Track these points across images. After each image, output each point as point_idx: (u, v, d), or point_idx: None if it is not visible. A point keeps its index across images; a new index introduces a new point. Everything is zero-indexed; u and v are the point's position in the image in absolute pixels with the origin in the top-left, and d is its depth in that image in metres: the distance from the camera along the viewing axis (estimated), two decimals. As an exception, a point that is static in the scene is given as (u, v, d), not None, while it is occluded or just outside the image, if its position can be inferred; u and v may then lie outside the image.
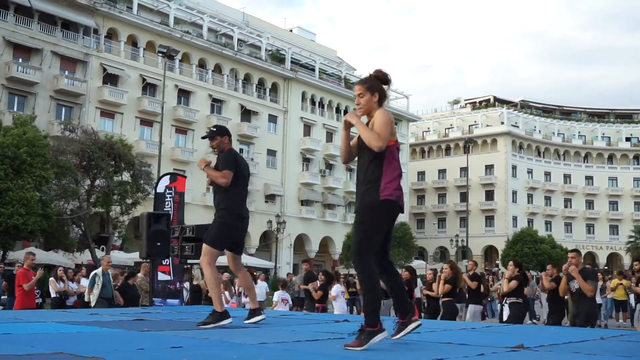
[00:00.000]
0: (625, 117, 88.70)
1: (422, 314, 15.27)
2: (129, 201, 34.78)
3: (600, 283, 21.76)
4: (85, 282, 16.46)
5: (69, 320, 6.64)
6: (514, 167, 77.20)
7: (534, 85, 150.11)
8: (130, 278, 14.29)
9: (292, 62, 59.31)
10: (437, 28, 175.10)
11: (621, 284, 21.10)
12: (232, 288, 17.63)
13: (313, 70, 61.24)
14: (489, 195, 76.13)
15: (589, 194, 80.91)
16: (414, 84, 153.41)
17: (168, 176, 16.21)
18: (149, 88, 48.45)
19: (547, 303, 12.52)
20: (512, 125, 79.43)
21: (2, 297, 17.78)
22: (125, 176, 35.14)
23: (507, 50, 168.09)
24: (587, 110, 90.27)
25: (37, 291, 14.60)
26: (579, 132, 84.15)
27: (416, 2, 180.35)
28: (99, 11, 45.38)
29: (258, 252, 53.06)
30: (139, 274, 15.00)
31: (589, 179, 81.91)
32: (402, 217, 63.94)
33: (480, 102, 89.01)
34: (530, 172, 79.05)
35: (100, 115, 45.11)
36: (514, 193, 76.54)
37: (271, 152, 56.63)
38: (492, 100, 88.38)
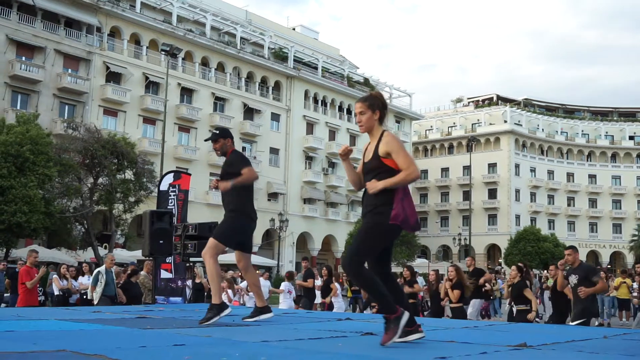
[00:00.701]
0: (628, 115, 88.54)
1: (424, 314, 15.29)
2: (132, 199, 34.80)
3: (603, 281, 21.77)
4: (82, 280, 16.48)
5: (72, 318, 6.64)
6: (517, 166, 77.10)
7: (537, 83, 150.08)
8: (133, 276, 14.31)
9: (294, 60, 59.29)
10: (440, 27, 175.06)
11: (624, 282, 21.07)
12: (235, 286, 17.63)
13: (316, 68, 61.22)
14: (492, 194, 76.05)
15: (592, 192, 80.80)
16: (417, 82, 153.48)
17: (172, 174, 16.19)
18: (151, 86, 48.48)
19: (550, 302, 12.51)
20: (515, 123, 79.33)
21: (5, 294, 17.81)
22: (128, 174, 35.16)
23: (511, 49, 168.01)
24: (591, 108, 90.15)
25: (40, 289, 14.64)
26: (582, 131, 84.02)
27: (420, 1, 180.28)
28: (102, 9, 45.41)
29: (261, 250, 53.04)
30: (142, 272, 15.03)
31: (592, 177, 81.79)
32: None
33: (483, 101, 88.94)
34: (533, 170, 78.93)
35: (103, 114, 45.16)
36: (517, 191, 76.46)
37: (274, 151, 56.63)
38: (495, 98, 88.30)
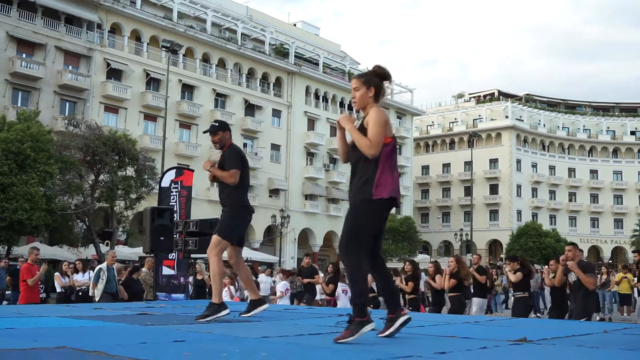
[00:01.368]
0: (630, 110, 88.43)
1: (427, 308, 15.28)
2: (133, 196, 34.83)
3: (604, 276, 21.80)
4: (77, 277, 16.46)
5: (73, 315, 6.65)
6: (519, 161, 77.05)
7: (539, 79, 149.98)
8: (134, 273, 14.33)
9: (296, 56, 59.24)
10: (443, 22, 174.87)
11: (626, 277, 21.06)
12: (237, 283, 17.63)
13: (317, 64, 61.17)
14: (494, 189, 76.03)
15: (594, 187, 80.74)
16: (420, 78, 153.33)
17: (174, 170, 16.17)
18: (152, 83, 48.46)
19: (550, 297, 12.53)
20: (517, 119, 79.26)
21: (7, 292, 17.83)
22: (130, 171, 35.17)
23: (513, 44, 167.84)
24: (592, 104, 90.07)
25: (42, 286, 14.65)
26: (584, 126, 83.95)
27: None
28: (102, 6, 45.38)
29: (262, 246, 53.12)
30: (143, 269, 15.04)
31: (594, 172, 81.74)
32: (406, 211, 64.11)
33: (484, 96, 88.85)
34: (534, 166, 78.89)
35: (104, 110, 45.15)
36: (519, 187, 76.42)
37: (275, 147, 56.61)
38: (496, 94, 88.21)
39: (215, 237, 6.53)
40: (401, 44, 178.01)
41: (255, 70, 55.80)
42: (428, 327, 5.84)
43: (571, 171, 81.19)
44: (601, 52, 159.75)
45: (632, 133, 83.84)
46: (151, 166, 35.89)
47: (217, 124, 6.86)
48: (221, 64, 53.45)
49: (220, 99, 52.91)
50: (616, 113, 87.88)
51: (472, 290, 13.47)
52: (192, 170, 16.78)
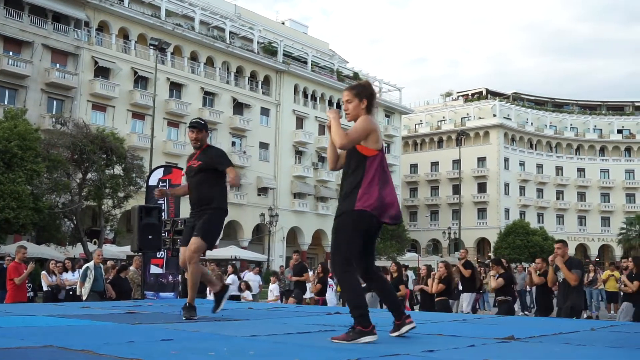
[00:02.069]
0: (616, 109, 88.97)
1: (414, 308, 15.34)
2: (121, 194, 34.69)
3: (592, 274, 21.90)
4: (67, 276, 16.39)
5: (60, 314, 6.62)
6: (506, 160, 77.35)
7: (527, 77, 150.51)
8: (122, 271, 14.27)
9: (284, 54, 59.20)
10: (432, 21, 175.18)
11: (613, 275, 21.17)
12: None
13: (305, 63, 61.15)
14: (482, 188, 76.30)
15: (581, 186, 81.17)
16: (408, 76, 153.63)
17: (162, 169, 16.06)
18: (140, 81, 48.28)
19: (536, 297, 12.61)
20: (505, 117, 79.57)
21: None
22: (117, 169, 35.04)
23: (502, 43, 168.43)
24: (579, 102, 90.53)
25: (29, 285, 14.55)
26: (571, 125, 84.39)
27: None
28: (89, 4, 45.14)
29: (251, 245, 53.05)
30: (131, 267, 14.98)
31: (581, 171, 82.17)
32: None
33: (472, 95, 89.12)
34: (522, 164, 79.24)
35: (91, 109, 44.93)
36: (506, 185, 76.72)
37: (263, 145, 56.56)
38: (484, 92, 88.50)
39: (200, 242, 6.30)
40: (390, 42, 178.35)
41: (244, 69, 55.72)
42: (416, 325, 5.84)
43: (558, 169, 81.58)
44: (590, 51, 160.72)
45: (619, 132, 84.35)
46: (139, 165, 35.76)
47: (203, 122, 6.81)
48: (209, 62, 53.33)
49: (209, 97, 52.80)
50: (603, 112, 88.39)
51: (456, 291, 13.56)
52: (181, 169, 16.69)
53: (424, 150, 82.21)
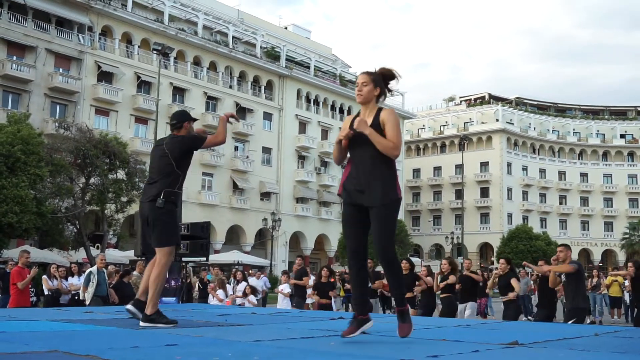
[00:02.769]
0: (619, 114, 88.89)
1: (417, 309, 15.27)
2: (124, 199, 34.71)
3: (595, 279, 21.87)
4: (73, 280, 16.41)
5: (64, 319, 6.62)
6: (509, 164, 77.30)
7: (530, 82, 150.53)
8: (125, 276, 14.28)
9: (287, 59, 59.28)
10: (434, 26, 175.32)
11: (616, 280, 21.16)
12: (227, 287, 17.60)
13: (308, 67, 61.22)
14: (484, 193, 76.23)
15: (584, 190, 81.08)
16: (411, 81, 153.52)
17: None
18: (143, 86, 48.37)
19: (537, 297, 12.57)
20: (507, 122, 79.52)
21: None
22: (120, 174, 35.07)
23: (504, 48, 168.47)
24: (582, 107, 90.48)
25: (32, 290, 14.57)
26: (574, 129, 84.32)
27: (414, 0, 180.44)
28: (93, 8, 45.28)
29: (253, 249, 53.07)
30: (134, 272, 14.99)
31: (584, 175, 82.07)
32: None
33: (475, 100, 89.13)
34: (525, 169, 79.15)
35: (94, 113, 45.02)
36: (509, 190, 76.65)
37: (266, 150, 56.60)
38: (487, 97, 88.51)
39: (165, 249, 6.06)
40: (393, 48, 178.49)
41: (247, 73, 55.78)
42: (419, 330, 5.84)
43: (561, 174, 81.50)
44: (592, 56, 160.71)
45: (622, 136, 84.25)
46: (142, 169, 35.76)
47: (178, 114, 6.53)
48: (212, 67, 53.41)
49: (212, 102, 52.86)
50: (606, 116, 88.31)
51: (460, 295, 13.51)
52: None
53: (427, 155, 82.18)
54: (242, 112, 54.79)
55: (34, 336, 4.98)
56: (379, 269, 14.50)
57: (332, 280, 14.66)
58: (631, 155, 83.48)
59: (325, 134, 61.73)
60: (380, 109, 4.82)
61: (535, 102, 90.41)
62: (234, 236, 53.29)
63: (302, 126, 59.92)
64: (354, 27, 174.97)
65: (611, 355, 4.32)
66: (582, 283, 9.86)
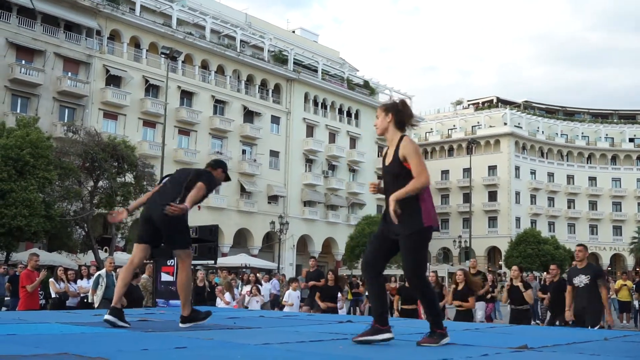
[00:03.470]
0: (628, 117, 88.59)
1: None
2: (132, 202, 34.77)
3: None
4: (82, 283, 16.44)
5: (73, 321, 6.65)
6: (517, 168, 77.08)
7: (538, 86, 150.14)
8: (134, 279, 14.29)
9: (294, 63, 59.33)
10: (443, 29, 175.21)
11: (625, 285, 21.08)
12: (234, 290, 17.63)
13: (316, 71, 61.25)
14: (492, 196, 76.03)
15: (593, 194, 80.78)
16: (419, 85, 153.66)
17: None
18: (151, 89, 48.49)
19: (551, 304, 12.48)
20: (515, 126, 79.33)
21: (6, 298, 17.79)
22: (129, 177, 35.17)
23: (513, 52, 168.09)
24: (591, 111, 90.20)
25: (41, 292, 14.61)
26: (582, 133, 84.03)
27: (422, 3, 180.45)
28: (101, 13, 45.44)
29: (261, 253, 53.09)
30: (143, 275, 15.01)
31: (592, 179, 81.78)
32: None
33: (483, 103, 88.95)
34: (533, 172, 78.93)
35: (103, 117, 45.15)
36: (517, 194, 76.43)
37: (274, 153, 56.63)
38: (495, 101, 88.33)
39: (186, 251, 6.42)
40: (401, 51, 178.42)
41: (254, 77, 55.87)
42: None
43: (570, 178, 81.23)
44: (601, 59, 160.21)
45: (631, 140, 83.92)
46: (150, 172, 35.90)
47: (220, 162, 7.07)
48: (220, 70, 53.52)
49: (219, 105, 52.95)
50: (615, 120, 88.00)
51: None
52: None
53: (435, 158, 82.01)
54: (249, 115, 54.89)
55: (43, 339, 5.00)
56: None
57: (339, 284, 14.64)
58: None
59: (332, 137, 61.74)
60: (401, 138, 4.95)
61: (543, 106, 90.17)
62: (241, 239, 53.34)
63: (310, 129, 59.94)
64: (362, 31, 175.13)
65: (621, 360, 4.31)
66: (596, 292, 9.80)
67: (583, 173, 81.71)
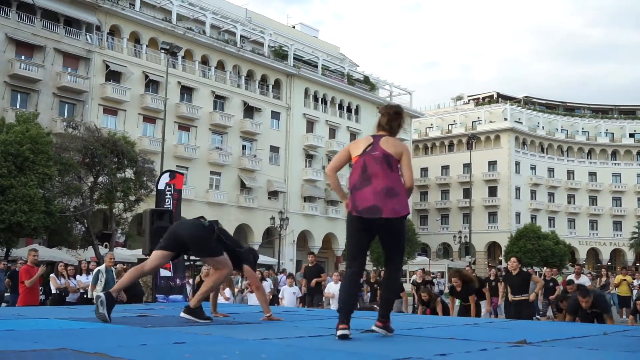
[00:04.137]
0: (628, 113, 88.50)
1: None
2: (132, 198, 34.80)
3: (604, 279, 21.81)
4: (82, 279, 16.46)
5: (72, 317, 6.64)
6: (517, 163, 77.06)
7: (539, 81, 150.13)
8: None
9: (294, 58, 59.26)
10: (444, 25, 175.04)
11: (625, 280, 21.09)
12: (234, 286, 17.62)
13: (316, 66, 61.18)
14: (492, 192, 76.04)
15: (593, 190, 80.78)
16: (420, 80, 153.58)
17: (168, 173, 16.23)
18: (151, 85, 48.46)
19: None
20: (516, 121, 79.28)
21: (5, 294, 17.78)
22: (128, 173, 35.15)
23: (514, 47, 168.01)
24: (591, 106, 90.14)
25: (41, 288, 14.62)
26: (583, 128, 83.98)
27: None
28: (101, 8, 45.39)
29: (261, 248, 53.04)
30: (144, 271, 15.00)
31: (593, 175, 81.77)
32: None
33: (483, 98, 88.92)
34: (533, 168, 78.90)
35: (103, 112, 45.12)
36: (517, 189, 76.43)
37: (274, 149, 56.61)
38: (495, 96, 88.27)
39: (220, 258, 6.42)
40: (402, 46, 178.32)
41: (254, 72, 55.82)
42: (427, 329, 5.85)
43: (570, 173, 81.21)
44: (601, 55, 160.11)
45: (631, 135, 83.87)
46: (150, 168, 35.87)
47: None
48: (220, 66, 53.46)
49: (219, 101, 52.91)
50: (615, 115, 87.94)
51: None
52: (182, 174, 16.93)
53: (435, 153, 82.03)
54: (249, 111, 54.85)
55: (43, 334, 5.00)
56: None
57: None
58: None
59: (333, 132, 61.71)
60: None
61: (543, 101, 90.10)
62: (241, 235, 53.33)
63: (310, 125, 59.90)
64: (363, 26, 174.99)
65: (620, 354, 4.31)
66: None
67: (583, 168, 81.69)
